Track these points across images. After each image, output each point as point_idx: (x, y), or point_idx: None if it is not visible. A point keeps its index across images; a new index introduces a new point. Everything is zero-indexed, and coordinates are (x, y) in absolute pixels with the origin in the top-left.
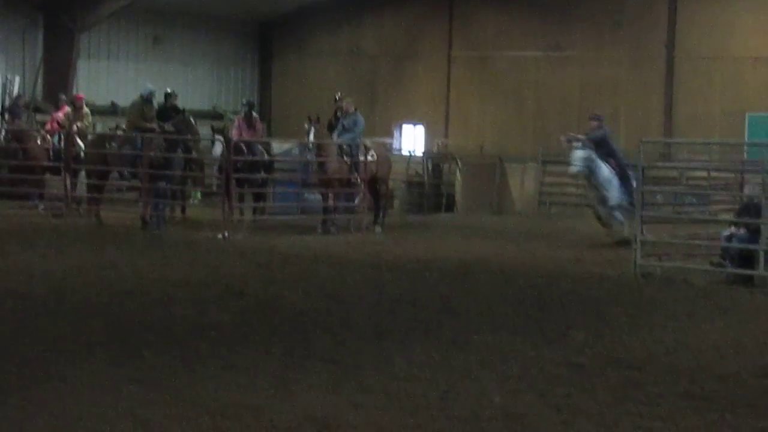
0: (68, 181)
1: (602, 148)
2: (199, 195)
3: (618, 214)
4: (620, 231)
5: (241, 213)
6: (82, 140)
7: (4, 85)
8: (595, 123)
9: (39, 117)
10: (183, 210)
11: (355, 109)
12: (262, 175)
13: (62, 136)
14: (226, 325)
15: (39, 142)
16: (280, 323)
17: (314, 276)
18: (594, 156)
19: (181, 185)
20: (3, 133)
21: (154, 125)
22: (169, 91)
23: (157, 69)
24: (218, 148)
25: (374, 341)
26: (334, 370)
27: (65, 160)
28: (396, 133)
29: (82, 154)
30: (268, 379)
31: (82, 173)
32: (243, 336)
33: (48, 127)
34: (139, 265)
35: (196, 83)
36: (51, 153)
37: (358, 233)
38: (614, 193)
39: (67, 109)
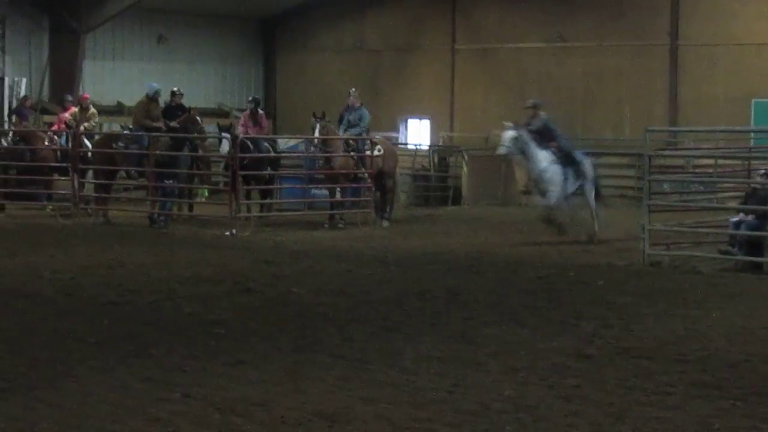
0: (76, 181)
1: (543, 134)
2: (206, 192)
3: (564, 206)
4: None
5: (248, 210)
6: (89, 140)
7: (11, 87)
8: (532, 111)
9: (46, 118)
10: (190, 208)
11: (361, 104)
12: (269, 171)
13: (69, 137)
14: (234, 322)
15: (46, 142)
16: (288, 319)
17: (322, 271)
18: (527, 138)
19: (188, 183)
20: (10, 134)
21: (161, 124)
22: (174, 89)
23: (162, 68)
24: (225, 146)
25: (383, 335)
26: (343, 364)
27: (72, 161)
28: (401, 127)
29: (89, 153)
30: (277, 374)
31: (90, 173)
32: (251, 332)
33: (55, 127)
34: (147, 264)
35: (201, 81)
36: (58, 153)
37: (366, 228)
38: (554, 184)
39: (74, 109)
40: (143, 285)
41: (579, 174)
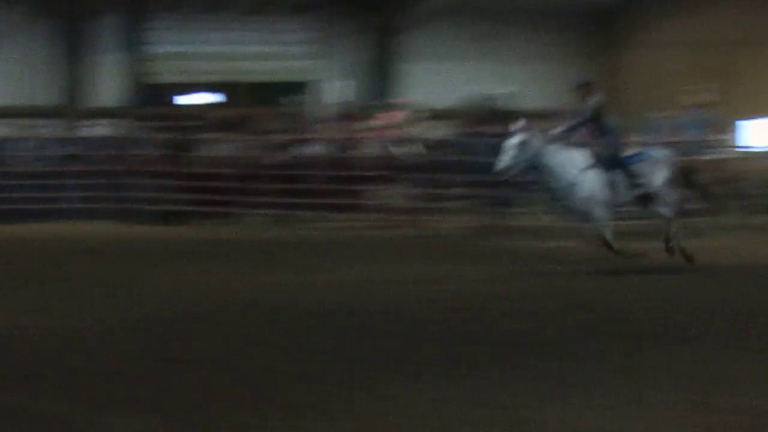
0: (397, 191)
1: (595, 125)
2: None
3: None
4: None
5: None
6: (411, 147)
7: (331, 91)
8: (581, 91)
9: (367, 123)
10: (512, 219)
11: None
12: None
13: (391, 144)
14: (565, 341)
15: (367, 149)
16: (619, 338)
17: (663, 285)
18: (540, 143)
19: (519, 192)
20: (330, 142)
21: (489, 129)
22: (501, 92)
23: (488, 69)
24: None
25: (729, 354)
26: (682, 386)
27: (393, 169)
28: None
29: (412, 162)
30: (612, 398)
31: (411, 182)
32: (583, 352)
33: (376, 133)
34: (469, 278)
35: (530, 82)
36: (380, 161)
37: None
38: (594, 200)
39: (396, 114)
40: (464, 301)
41: (635, 181)
